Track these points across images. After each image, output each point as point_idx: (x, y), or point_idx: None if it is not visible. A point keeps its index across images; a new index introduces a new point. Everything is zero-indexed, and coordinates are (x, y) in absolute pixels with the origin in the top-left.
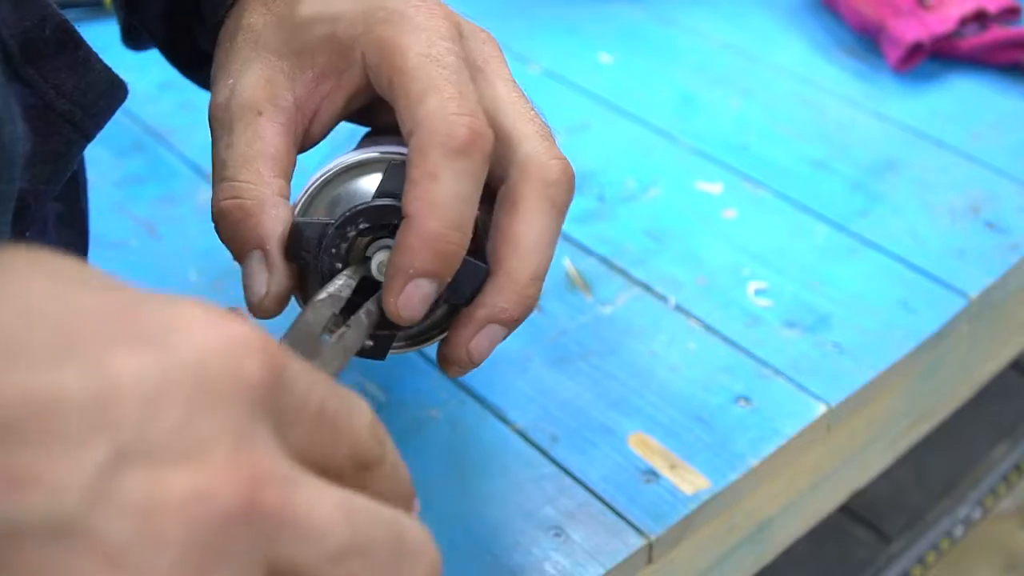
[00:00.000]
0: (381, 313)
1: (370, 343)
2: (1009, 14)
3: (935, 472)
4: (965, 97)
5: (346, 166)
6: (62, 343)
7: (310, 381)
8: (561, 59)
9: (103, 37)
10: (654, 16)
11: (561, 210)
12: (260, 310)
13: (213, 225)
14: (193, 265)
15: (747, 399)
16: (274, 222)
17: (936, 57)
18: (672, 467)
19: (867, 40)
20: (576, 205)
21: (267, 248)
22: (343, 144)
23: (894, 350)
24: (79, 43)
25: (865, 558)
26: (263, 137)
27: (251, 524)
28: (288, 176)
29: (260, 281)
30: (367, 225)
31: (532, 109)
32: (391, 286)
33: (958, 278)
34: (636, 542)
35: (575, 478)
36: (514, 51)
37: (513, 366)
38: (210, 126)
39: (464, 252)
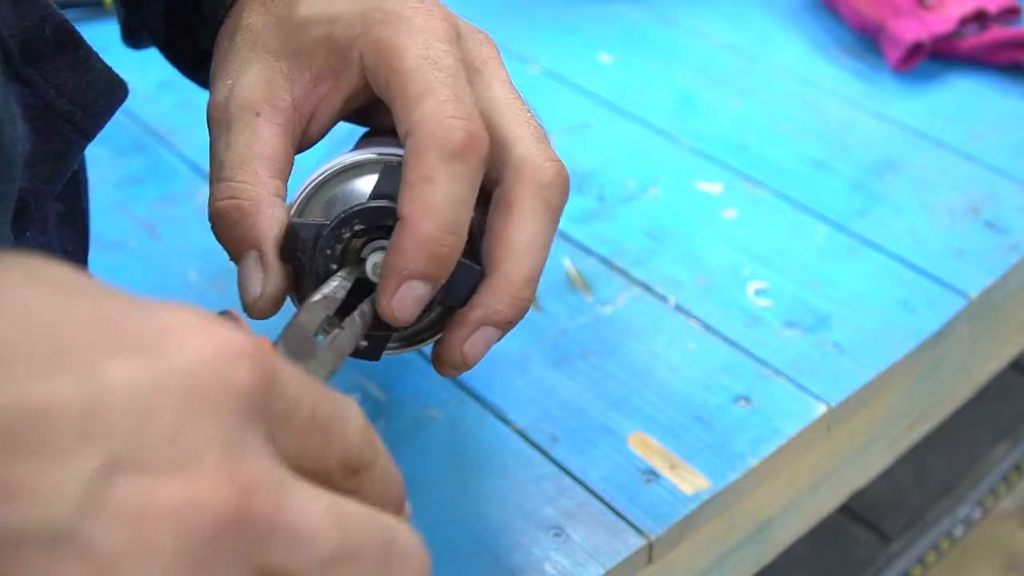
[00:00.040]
0: (376, 314)
1: (365, 344)
2: (1009, 14)
3: (935, 472)
4: (965, 97)
5: (343, 167)
6: (55, 352)
7: (301, 386)
8: (561, 59)
9: (103, 37)
10: (654, 16)
11: (556, 212)
12: (255, 310)
13: (210, 225)
14: (193, 265)
15: (747, 399)
16: (270, 223)
17: (936, 57)
18: (672, 467)
19: (867, 40)
20: (576, 205)
21: (263, 249)
22: (341, 144)
23: (894, 350)
24: (79, 43)
25: (865, 558)
26: (261, 138)
27: (241, 531)
28: (285, 177)
29: (255, 281)
30: (362, 227)
31: (528, 111)
32: (385, 288)
33: (958, 278)
34: (636, 542)
35: (575, 478)
36: (514, 51)
37: (513, 366)
38: (208, 126)
39: (459, 254)
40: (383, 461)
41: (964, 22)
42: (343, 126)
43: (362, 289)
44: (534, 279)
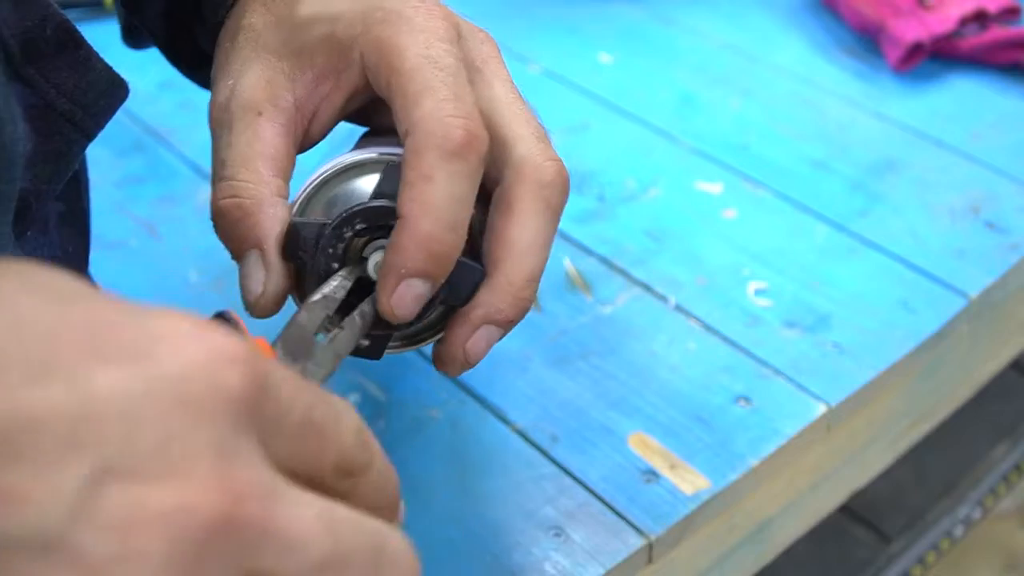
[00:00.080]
0: (377, 313)
1: (366, 343)
2: (1009, 14)
3: (935, 472)
4: (965, 97)
5: (344, 166)
6: (48, 359)
7: (295, 389)
8: (561, 59)
9: (103, 37)
10: (654, 16)
11: (556, 212)
12: (256, 309)
13: (212, 224)
14: (193, 265)
15: (747, 399)
16: (272, 221)
17: (936, 57)
18: (672, 467)
19: (867, 40)
20: (576, 205)
21: (264, 247)
22: (341, 144)
23: (894, 350)
24: (80, 43)
25: (865, 558)
26: (263, 137)
27: (231, 537)
28: (287, 176)
29: (257, 280)
30: (364, 226)
31: (528, 111)
32: (384, 285)
33: (958, 278)
34: (636, 542)
35: (575, 478)
36: (514, 51)
37: (513, 366)
38: (210, 126)
39: (458, 253)
40: (379, 463)
41: (964, 22)
42: (343, 126)
43: (363, 289)
44: (535, 278)
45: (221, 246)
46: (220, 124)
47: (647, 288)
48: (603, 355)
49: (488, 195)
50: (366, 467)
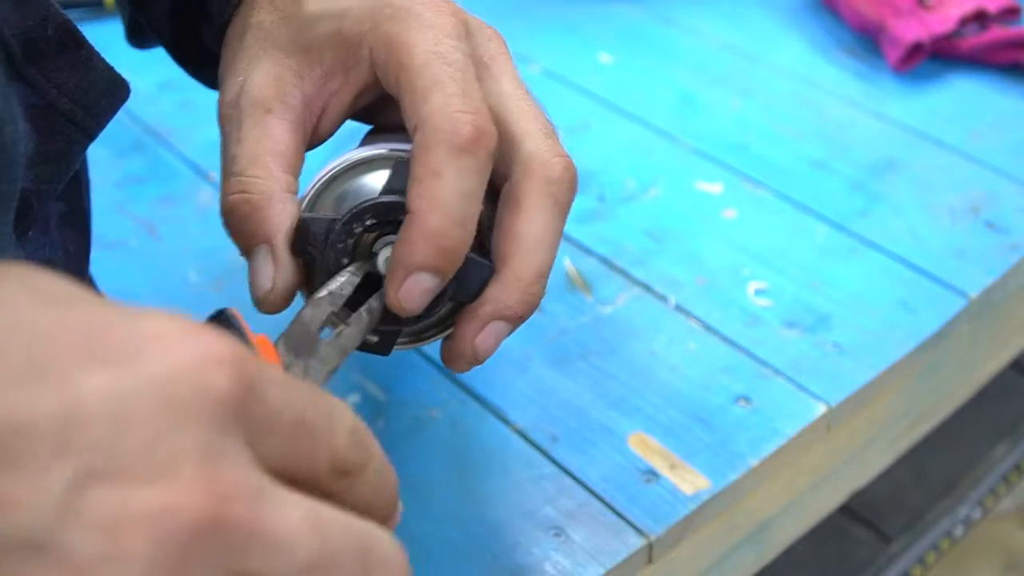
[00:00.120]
0: (386, 309)
1: (375, 339)
2: (1009, 14)
3: (935, 472)
4: (965, 97)
5: (353, 162)
6: (38, 363)
7: (286, 390)
8: (561, 59)
9: (103, 37)
10: (654, 16)
11: (564, 208)
12: (265, 305)
13: (221, 220)
14: (193, 265)
15: (747, 399)
16: (281, 217)
17: (936, 57)
18: (672, 467)
19: (867, 40)
20: (576, 205)
21: (274, 243)
22: (344, 143)
23: (894, 350)
24: (81, 42)
25: (865, 558)
26: (272, 134)
27: (217, 539)
28: (296, 173)
29: (266, 276)
30: (374, 221)
31: (536, 106)
32: (393, 279)
33: (958, 278)
34: (636, 542)
35: (575, 478)
36: (514, 51)
37: (513, 366)
38: (219, 123)
39: (467, 248)
40: (376, 462)
41: (964, 22)
42: (345, 125)
43: (372, 285)
44: (544, 274)
45: (221, 246)
46: (229, 121)
47: (647, 288)
48: (603, 355)
49: (497, 191)
50: (362, 467)
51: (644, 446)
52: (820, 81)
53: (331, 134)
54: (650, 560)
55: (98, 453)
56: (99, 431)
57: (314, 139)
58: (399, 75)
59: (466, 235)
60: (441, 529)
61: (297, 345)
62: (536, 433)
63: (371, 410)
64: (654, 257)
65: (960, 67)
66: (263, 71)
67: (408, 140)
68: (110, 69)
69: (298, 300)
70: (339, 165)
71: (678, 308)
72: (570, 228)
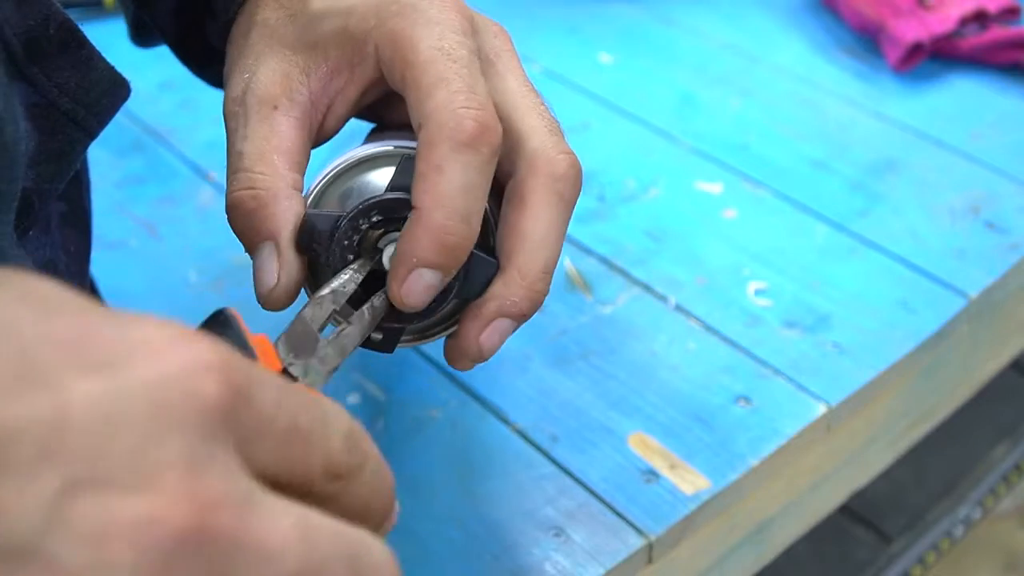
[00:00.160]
0: (390, 306)
1: (379, 336)
2: (1009, 14)
3: (935, 472)
4: (965, 97)
5: (358, 159)
6: (27, 371)
7: (279, 395)
8: (561, 59)
9: (103, 37)
10: (654, 16)
11: (569, 205)
12: (269, 301)
13: (226, 216)
14: (193, 265)
15: (747, 399)
16: (287, 214)
17: (936, 57)
18: (672, 467)
19: (867, 40)
20: (576, 205)
21: (278, 239)
22: (345, 142)
23: (894, 350)
24: (82, 42)
25: (865, 558)
26: (279, 131)
27: (202, 548)
28: (302, 170)
29: (270, 272)
30: (380, 218)
31: (542, 103)
32: (396, 274)
33: (958, 278)
34: (636, 542)
35: (575, 478)
36: None
37: (513, 366)
38: (225, 120)
39: (471, 245)
40: (372, 464)
41: (964, 22)
42: (348, 125)
43: (378, 282)
44: (549, 271)
45: (221, 246)
46: (235, 118)
47: (647, 288)
48: (603, 355)
49: (502, 188)
50: (357, 470)
51: (644, 446)
52: (820, 81)
53: (337, 131)
54: (650, 560)
55: (85, 461)
56: (86, 438)
57: (320, 136)
58: (404, 71)
59: (470, 231)
60: (441, 529)
61: (297, 345)
62: (536, 433)
63: (371, 410)
64: (654, 257)
65: (960, 67)
66: (269, 68)
67: (413, 137)
68: (111, 68)
69: (302, 296)
70: (344, 162)
71: (678, 308)
72: (570, 228)
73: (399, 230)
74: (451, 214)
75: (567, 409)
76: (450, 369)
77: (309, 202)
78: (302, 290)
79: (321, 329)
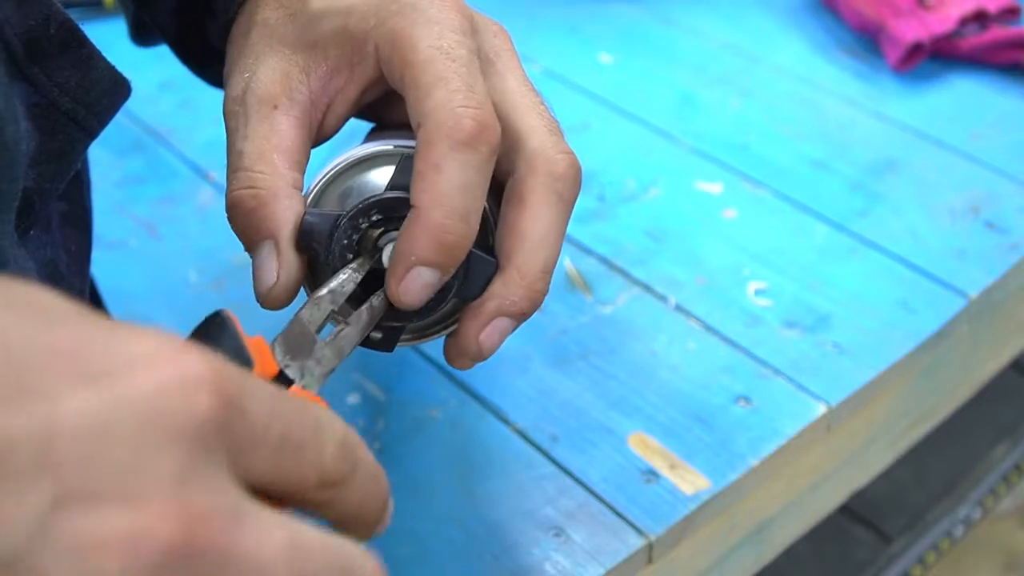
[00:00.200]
0: (390, 305)
1: (379, 335)
2: (1009, 14)
3: (935, 472)
4: (965, 97)
5: (357, 159)
6: (16, 382)
7: (271, 406)
8: (561, 59)
9: (103, 37)
10: (654, 16)
11: (568, 204)
12: (268, 301)
13: (226, 215)
14: (193, 265)
15: (747, 399)
16: (287, 213)
17: (936, 57)
18: (672, 467)
19: (867, 40)
20: (576, 205)
21: (278, 238)
22: (344, 142)
23: (894, 350)
24: (83, 41)
25: (865, 558)
26: (279, 130)
27: (190, 562)
28: (302, 169)
29: (269, 271)
30: (380, 217)
31: (541, 103)
32: (394, 272)
33: (958, 278)
34: (636, 542)
35: (575, 478)
36: None
37: (513, 366)
38: (225, 119)
39: (470, 243)
40: (365, 469)
41: (964, 22)
42: (347, 125)
43: (378, 282)
44: (548, 270)
45: (221, 246)
46: (235, 117)
47: (647, 288)
48: (603, 355)
49: (501, 188)
50: (349, 475)
51: (644, 446)
52: (820, 81)
53: (337, 130)
54: (650, 560)
55: (75, 473)
56: (77, 451)
57: (320, 135)
58: (403, 71)
59: (468, 230)
60: (441, 529)
61: (294, 346)
62: (536, 433)
63: (371, 410)
64: (654, 257)
65: (960, 67)
66: (269, 67)
67: (413, 137)
68: (111, 68)
69: (302, 296)
70: (343, 162)
71: (678, 308)
72: (570, 228)
73: (399, 229)
74: (449, 213)
75: (567, 409)
76: (450, 369)
77: (309, 201)
78: (301, 289)
79: (319, 330)
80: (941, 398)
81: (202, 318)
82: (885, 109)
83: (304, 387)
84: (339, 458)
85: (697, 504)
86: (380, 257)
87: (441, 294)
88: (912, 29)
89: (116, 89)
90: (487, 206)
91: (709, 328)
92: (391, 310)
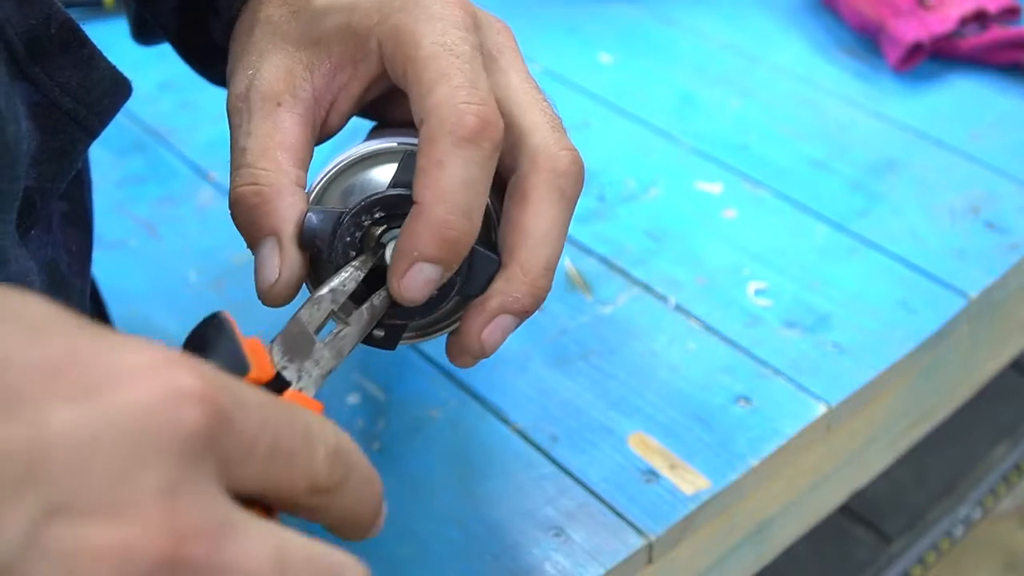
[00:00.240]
0: (393, 303)
1: (381, 333)
2: (1009, 14)
3: (935, 472)
4: (965, 97)
5: (360, 156)
6: (12, 396)
7: (261, 416)
8: (561, 59)
9: (104, 37)
10: (654, 16)
11: (571, 201)
12: (270, 297)
13: (229, 211)
14: (193, 265)
15: (747, 399)
16: (289, 210)
17: (936, 57)
18: (672, 467)
19: (867, 40)
20: (576, 205)
21: (281, 235)
22: (346, 140)
23: (894, 350)
24: (84, 41)
25: (865, 558)
26: (282, 127)
27: (177, 575)
28: (306, 166)
29: (272, 268)
30: (382, 214)
31: (544, 100)
32: (396, 269)
33: (958, 278)
34: (636, 542)
35: (575, 478)
36: None
37: (513, 366)
38: (228, 116)
39: (472, 240)
40: (358, 474)
41: (964, 22)
42: (349, 123)
43: (380, 279)
44: (551, 267)
45: (221, 246)
46: (239, 114)
47: (647, 288)
48: (603, 355)
49: (504, 185)
50: (342, 481)
51: (644, 446)
52: (820, 81)
53: (340, 128)
54: (650, 560)
55: (63, 487)
56: (66, 465)
57: (323, 133)
58: (406, 67)
59: (471, 226)
60: (441, 529)
61: (292, 347)
62: (536, 433)
63: (371, 410)
64: (654, 257)
65: (960, 67)
66: (273, 65)
67: (416, 134)
68: (112, 68)
69: (303, 293)
70: (346, 159)
71: (678, 308)
72: (571, 228)
73: (400, 226)
74: (452, 209)
75: (567, 409)
76: (450, 369)
77: (312, 198)
78: (303, 286)
79: (319, 330)
80: (941, 398)
81: (201, 319)
82: (885, 109)
83: (301, 389)
84: (330, 464)
85: (697, 504)
86: (383, 255)
87: (443, 291)
88: (912, 29)
89: (117, 89)
90: (490, 203)
91: (709, 328)
92: (394, 308)
